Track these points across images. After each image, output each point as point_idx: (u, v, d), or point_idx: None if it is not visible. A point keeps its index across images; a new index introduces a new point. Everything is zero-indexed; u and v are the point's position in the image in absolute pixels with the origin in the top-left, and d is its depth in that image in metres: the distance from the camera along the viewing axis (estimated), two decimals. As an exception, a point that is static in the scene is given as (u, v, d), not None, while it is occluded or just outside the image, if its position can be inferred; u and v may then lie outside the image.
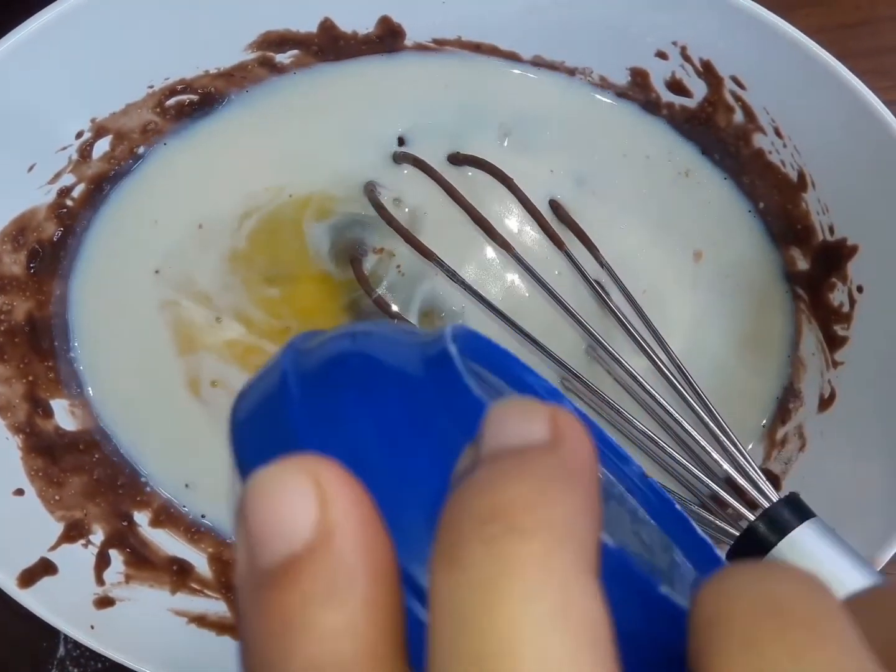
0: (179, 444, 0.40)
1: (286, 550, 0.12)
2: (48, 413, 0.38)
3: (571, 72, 0.40)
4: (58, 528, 0.37)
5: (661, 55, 0.38)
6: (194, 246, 0.40)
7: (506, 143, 0.40)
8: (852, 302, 0.38)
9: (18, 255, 0.37)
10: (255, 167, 0.40)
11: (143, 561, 0.38)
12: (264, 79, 0.39)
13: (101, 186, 0.39)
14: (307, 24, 0.38)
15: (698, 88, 0.38)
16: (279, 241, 0.40)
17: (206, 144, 0.39)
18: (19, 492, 0.37)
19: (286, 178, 0.40)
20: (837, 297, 0.38)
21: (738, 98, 0.38)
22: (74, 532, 0.38)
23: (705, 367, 0.40)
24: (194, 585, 0.39)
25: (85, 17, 0.33)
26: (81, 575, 0.37)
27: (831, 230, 0.38)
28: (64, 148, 0.37)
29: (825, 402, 0.39)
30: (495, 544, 0.11)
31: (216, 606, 0.39)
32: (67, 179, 0.38)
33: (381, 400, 0.15)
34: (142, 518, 0.39)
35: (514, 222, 0.40)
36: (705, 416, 0.35)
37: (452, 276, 0.37)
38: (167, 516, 0.40)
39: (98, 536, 0.38)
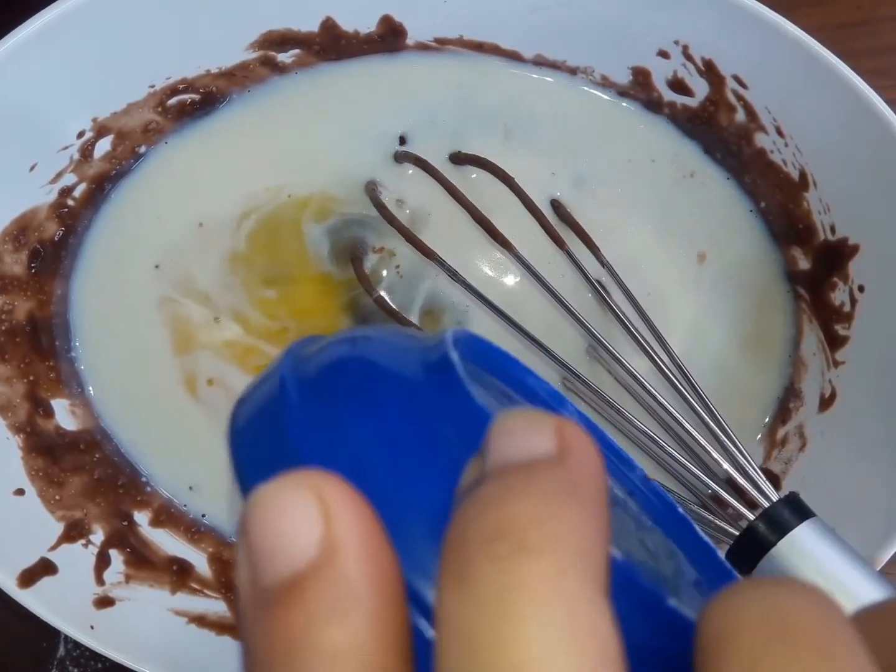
0: (180, 444, 0.40)
1: (290, 569, 0.12)
2: (49, 413, 0.38)
3: (573, 71, 0.40)
4: (58, 528, 0.37)
5: (663, 54, 0.38)
6: (195, 245, 0.40)
7: (507, 143, 0.40)
8: (853, 301, 0.38)
9: (20, 254, 0.37)
10: (256, 167, 0.40)
11: (143, 561, 0.38)
12: (266, 78, 0.39)
13: (102, 186, 0.39)
14: (309, 24, 0.38)
15: (700, 87, 0.38)
16: (278, 241, 0.40)
17: (208, 144, 0.39)
18: (20, 492, 0.37)
19: (286, 178, 0.40)
20: (838, 296, 0.38)
21: (739, 97, 0.38)
22: (74, 532, 0.38)
23: (706, 366, 0.40)
24: (194, 585, 0.39)
25: (86, 17, 0.33)
26: (81, 575, 0.37)
27: (832, 230, 0.38)
28: (65, 147, 0.37)
29: (826, 402, 0.39)
30: (503, 562, 0.11)
31: (216, 606, 0.39)
32: (69, 179, 0.37)
33: (381, 406, 0.15)
34: (142, 518, 0.39)
35: (515, 221, 0.40)
36: (706, 416, 0.35)
37: (453, 275, 0.37)
38: (167, 516, 0.40)
39: (98, 536, 0.38)
